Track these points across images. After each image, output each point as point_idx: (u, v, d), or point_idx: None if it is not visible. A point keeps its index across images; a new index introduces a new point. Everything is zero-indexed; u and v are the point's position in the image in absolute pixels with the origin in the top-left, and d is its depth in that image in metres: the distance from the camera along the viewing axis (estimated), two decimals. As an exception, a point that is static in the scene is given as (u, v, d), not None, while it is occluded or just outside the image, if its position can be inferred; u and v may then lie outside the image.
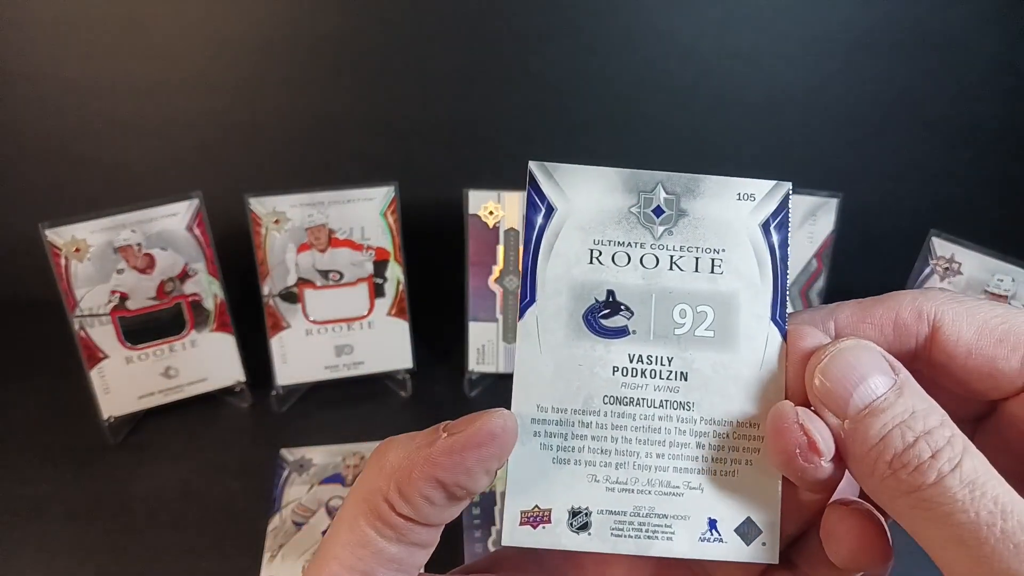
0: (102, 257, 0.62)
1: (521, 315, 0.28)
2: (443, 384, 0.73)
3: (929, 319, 0.25)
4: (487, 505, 0.59)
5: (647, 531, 0.27)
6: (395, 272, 0.68)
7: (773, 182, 0.29)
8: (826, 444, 0.24)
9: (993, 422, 0.27)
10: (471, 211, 0.65)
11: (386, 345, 0.70)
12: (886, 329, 0.26)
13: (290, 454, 0.64)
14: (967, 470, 0.21)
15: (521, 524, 0.27)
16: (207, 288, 0.66)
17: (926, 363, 0.26)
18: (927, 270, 0.59)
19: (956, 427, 0.23)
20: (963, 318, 0.25)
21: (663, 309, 0.28)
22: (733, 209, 0.29)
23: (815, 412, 0.25)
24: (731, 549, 0.26)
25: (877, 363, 0.24)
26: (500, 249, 0.66)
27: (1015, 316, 0.25)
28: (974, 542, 0.21)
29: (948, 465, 0.22)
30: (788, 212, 0.29)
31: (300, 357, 0.69)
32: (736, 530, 0.27)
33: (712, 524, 0.27)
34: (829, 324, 0.27)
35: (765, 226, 0.29)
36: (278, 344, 0.68)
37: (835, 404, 0.24)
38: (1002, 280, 0.56)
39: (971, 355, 0.25)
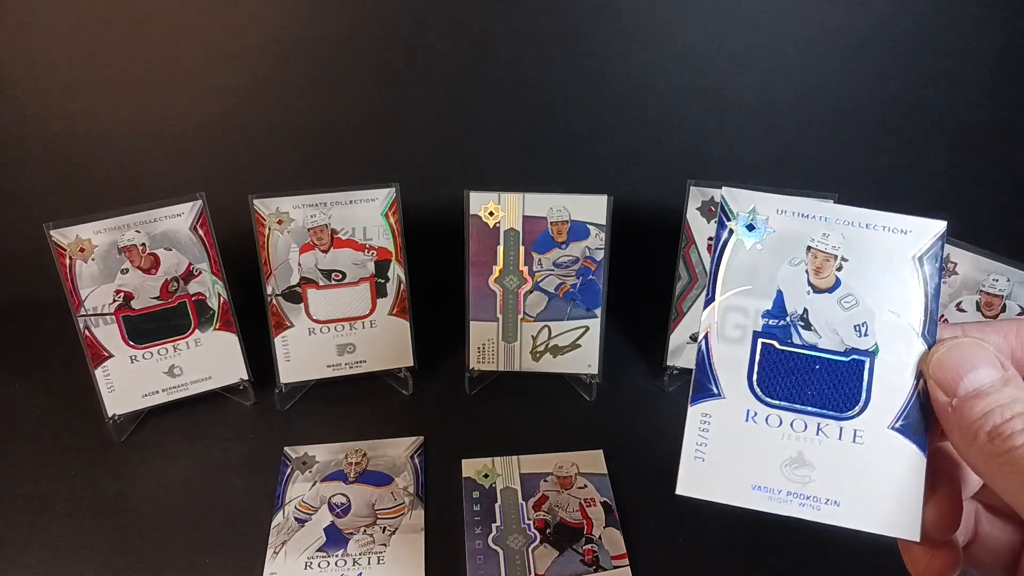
0: (107, 257, 0.62)
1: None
2: (444, 382, 0.73)
3: None
4: (487, 502, 0.60)
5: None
6: (397, 272, 0.69)
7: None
8: None
9: None
10: (471, 211, 0.66)
11: (388, 344, 0.70)
12: (1010, 335, 0.31)
13: (293, 451, 0.65)
14: None
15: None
16: (211, 288, 0.67)
17: None
18: (923, 270, 0.59)
19: None
20: None
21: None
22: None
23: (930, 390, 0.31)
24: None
25: (988, 358, 0.29)
26: (500, 249, 0.67)
27: None
28: None
29: None
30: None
31: (303, 356, 0.69)
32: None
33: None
34: (958, 331, 0.32)
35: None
36: (281, 343, 0.68)
37: (947, 385, 0.29)
38: (997, 280, 0.57)
39: None
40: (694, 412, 0.32)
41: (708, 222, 0.66)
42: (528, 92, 0.76)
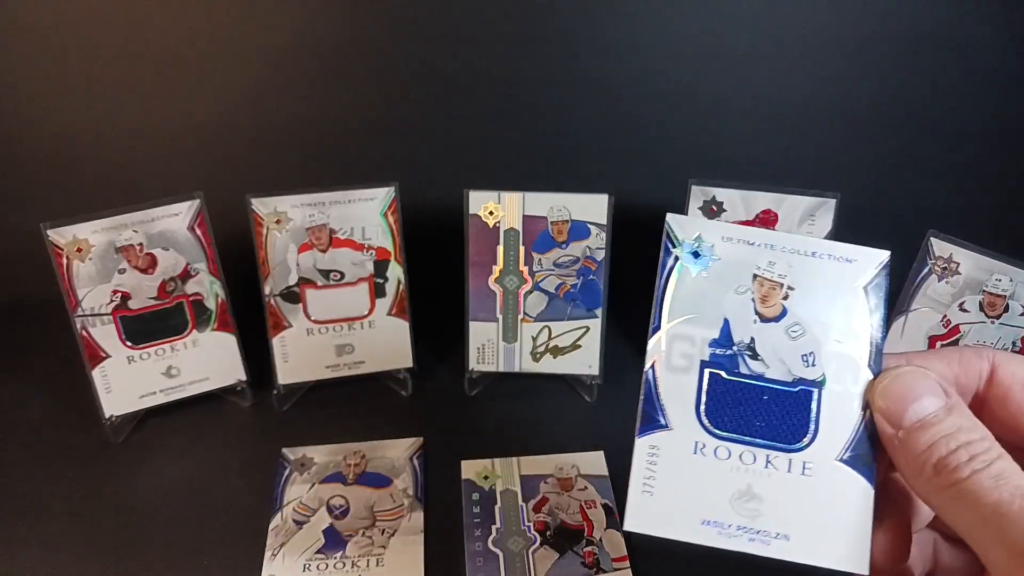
0: (104, 257, 0.62)
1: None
2: (443, 383, 0.73)
3: (989, 358, 0.31)
4: (487, 504, 0.60)
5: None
6: (396, 272, 0.68)
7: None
8: None
9: None
10: (471, 211, 0.65)
11: (387, 344, 0.70)
12: (953, 363, 0.31)
13: (291, 453, 0.65)
14: (996, 468, 0.26)
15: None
16: (209, 288, 0.66)
17: (987, 401, 0.31)
18: (925, 270, 0.59)
19: (996, 443, 0.28)
20: (1017, 360, 0.31)
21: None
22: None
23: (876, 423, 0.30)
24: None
25: (931, 387, 0.29)
26: (500, 249, 0.66)
27: None
28: (996, 518, 0.25)
29: (981, 465, 0.27)
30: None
31: (301, 356, 0.69)
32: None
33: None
34: (902, 360, 0.31)
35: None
36: (279, 343, 0.68)
37: (892, 417, 0.29)
38: (1000, 280, 0.57)
39: None
40: (641, 444, 0.32)
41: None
42: (528, 92, 0.76)
